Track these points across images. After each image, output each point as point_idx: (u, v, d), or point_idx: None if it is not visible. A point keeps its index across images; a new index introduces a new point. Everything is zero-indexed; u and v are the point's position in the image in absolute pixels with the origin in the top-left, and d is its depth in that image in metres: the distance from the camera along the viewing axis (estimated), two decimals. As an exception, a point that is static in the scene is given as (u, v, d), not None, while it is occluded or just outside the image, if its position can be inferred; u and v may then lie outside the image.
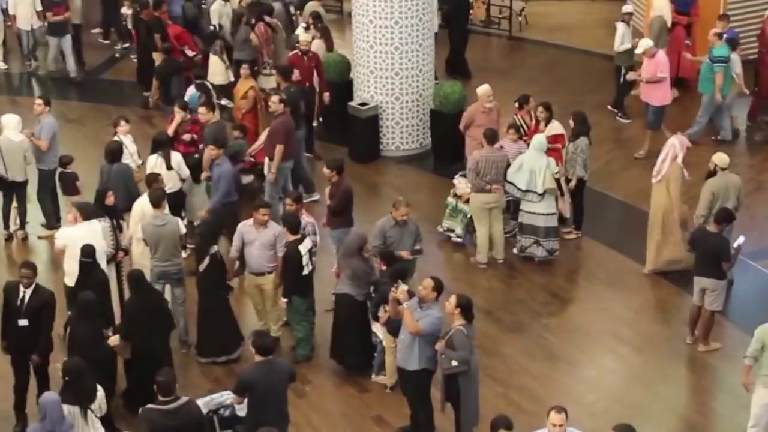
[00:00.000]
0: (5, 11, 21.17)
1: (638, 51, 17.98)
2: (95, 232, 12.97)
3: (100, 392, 10.75)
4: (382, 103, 18.05)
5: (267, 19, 19.85)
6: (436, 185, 17.23)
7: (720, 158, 14.25)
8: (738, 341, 13.02)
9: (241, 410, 11.16)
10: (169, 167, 14.81)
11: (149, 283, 12.66)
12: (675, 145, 14.64)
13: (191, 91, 17.46)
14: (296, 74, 17.33)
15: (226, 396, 11.48)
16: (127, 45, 21.90)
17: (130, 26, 20.74)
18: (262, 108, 17.17)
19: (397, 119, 18.16)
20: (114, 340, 11.87)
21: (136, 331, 11.98)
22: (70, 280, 12.85)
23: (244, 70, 17.74)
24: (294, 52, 18.02)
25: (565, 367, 13.22)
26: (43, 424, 10.03)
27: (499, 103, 16.62)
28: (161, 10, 19.90)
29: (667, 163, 14.59)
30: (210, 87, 17.79)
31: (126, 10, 20.96)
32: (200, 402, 10.98)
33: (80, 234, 12.88)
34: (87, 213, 13.18)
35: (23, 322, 11.74)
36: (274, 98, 15.80)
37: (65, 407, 10.21)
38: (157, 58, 19.31)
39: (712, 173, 14.18)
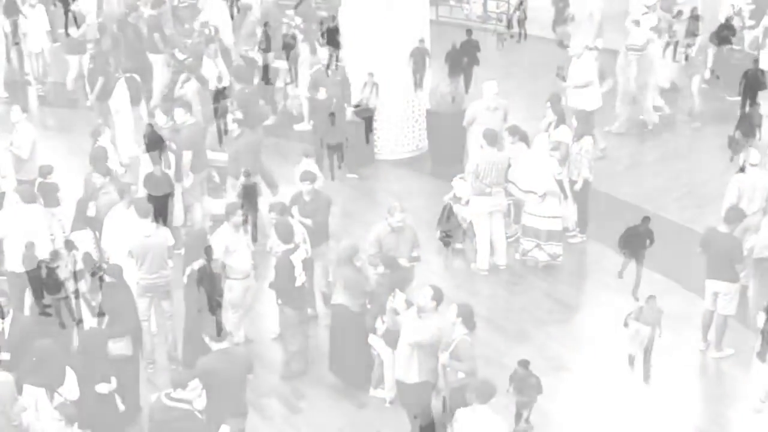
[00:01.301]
0: (8, 34, 20.86)
1: (571, 53, 17.72)
2: (34, 216, 13.17)
3: (71, 375, 10.58)
4: (376, 104, 17.82)
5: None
6: (433, 189, 17.10)
7: (751, 154, 14.09)
8: (753, 347, 12.69)
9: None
10: (168, 166, 14.67)
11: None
12: None
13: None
14: (322, 92, 17.15)
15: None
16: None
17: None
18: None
19: (391, 121, 17.86)
20: (102, 387, 11.27)
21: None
22: (11, 264, 13.03)
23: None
24: (317, 68, 17.73)
25: (571, 377, 13.02)
26: None
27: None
28: (159, 10, 19.83)
29: None
30: (138, 81, 17.55)
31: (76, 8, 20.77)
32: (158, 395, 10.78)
33: (18, 216, 13.13)
34: (27, 197, 13.31)
35: (5, 356, 11.13)
36: (230, 120, 15.69)
37: (31, 389, 10.03)
38: (155, 60, 18.95)
39: (742, 169, 14.13)
